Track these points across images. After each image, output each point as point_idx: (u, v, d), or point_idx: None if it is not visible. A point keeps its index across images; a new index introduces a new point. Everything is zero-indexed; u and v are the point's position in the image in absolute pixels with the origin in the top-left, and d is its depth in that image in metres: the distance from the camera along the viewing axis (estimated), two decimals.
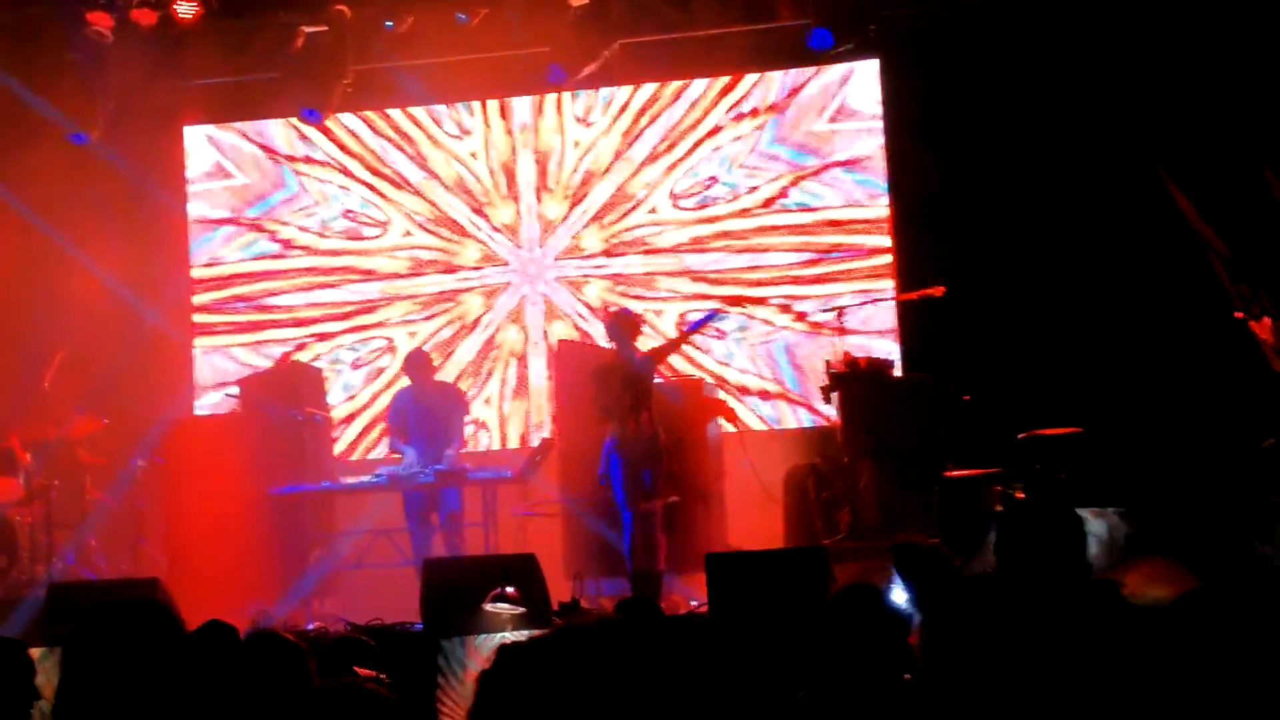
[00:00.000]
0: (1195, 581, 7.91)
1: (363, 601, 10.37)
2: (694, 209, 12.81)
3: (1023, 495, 9.28)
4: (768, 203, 12.69)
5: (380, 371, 13.21)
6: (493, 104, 13.17)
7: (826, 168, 12.61)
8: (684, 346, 11.65)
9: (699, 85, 12.83)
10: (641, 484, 10.02)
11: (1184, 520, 8.90)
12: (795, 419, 12.45)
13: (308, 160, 13.38)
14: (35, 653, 8.20)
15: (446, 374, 12.65)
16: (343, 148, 13.34)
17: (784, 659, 7.29)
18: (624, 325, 10.45)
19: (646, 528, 10.00)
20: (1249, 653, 4.12)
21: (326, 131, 13.21)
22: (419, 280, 13.25)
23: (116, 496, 11.90)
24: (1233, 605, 4.47)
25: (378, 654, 5.78)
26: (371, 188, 13.33)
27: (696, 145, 12.82)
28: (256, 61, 12.54)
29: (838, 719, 4.28)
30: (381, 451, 12.71)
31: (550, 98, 13.00)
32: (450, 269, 13.21)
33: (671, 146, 12.86)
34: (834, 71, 12.55)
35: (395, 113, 13.27)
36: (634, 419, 10.08)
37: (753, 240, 12.69)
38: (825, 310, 11.38)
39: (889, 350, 11.88)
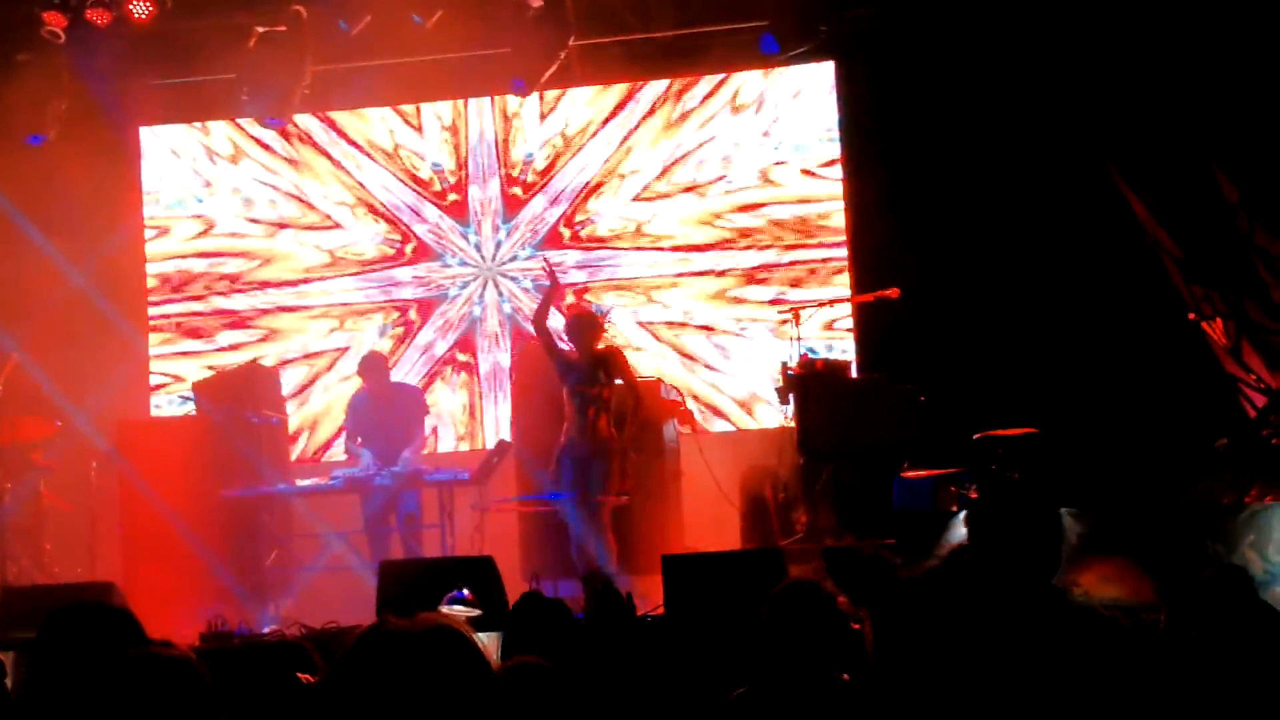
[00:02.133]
0: (1148, 582, 7.99)
1: (319, 604, 10.34)
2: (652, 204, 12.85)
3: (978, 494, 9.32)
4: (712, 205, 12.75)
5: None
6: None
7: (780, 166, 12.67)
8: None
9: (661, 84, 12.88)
10: (590, 485, 9.99)
11: (1137, 520, 8.96)
12: (752, 420, 12.49)
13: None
14: None
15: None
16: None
17: (740, 659, 7.31)
18: (582, 326, 10.38)
19: (596, 529, 9.99)
20: (1205, 654, 4.15)
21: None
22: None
23: (71, 500, 11.83)
24: (1186, 605, 4.49)
25: (315, 658, 5.74)
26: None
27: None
28: (212, 62, 12.47)
29: (772, 717, 4.27)
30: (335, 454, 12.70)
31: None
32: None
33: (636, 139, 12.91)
34: (791, 73, 12.58)
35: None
36: (592, 420, 10.05)
37: (709, 239, 12.73)
38: (781, 312, 11.40)
39: (845, 350, 11.97)
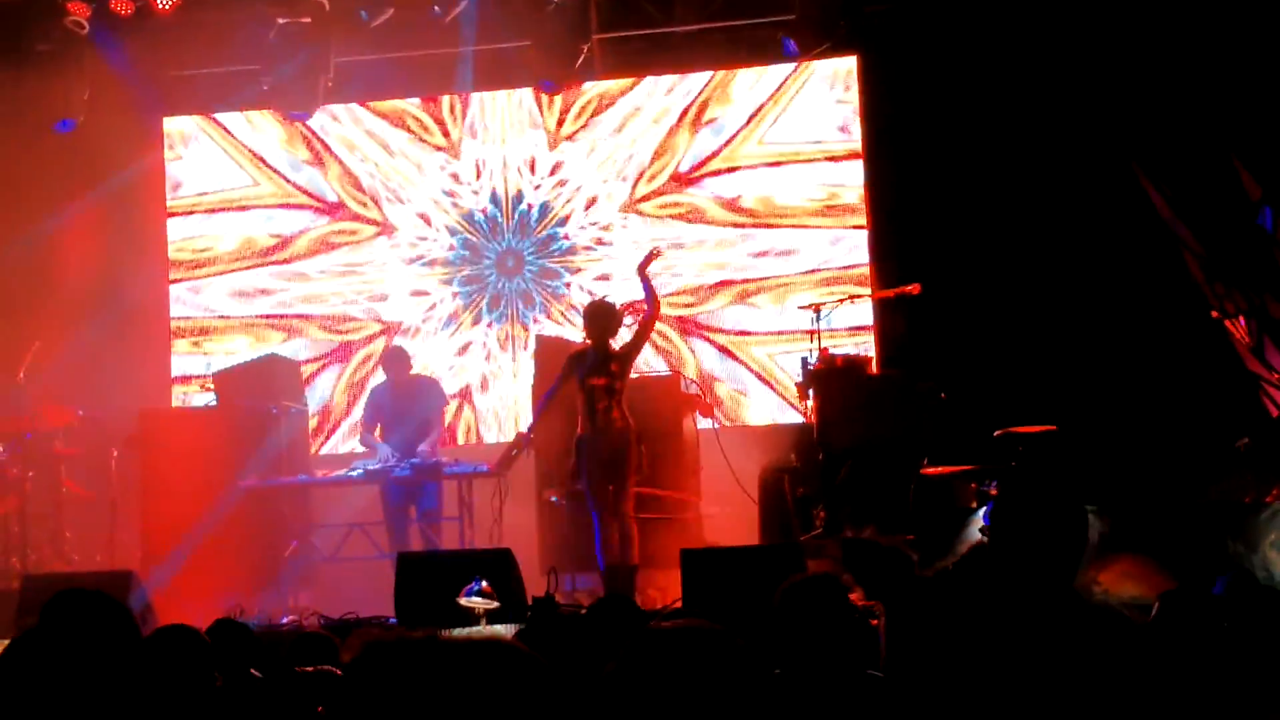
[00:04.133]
0: (1169, 580, 7.96)
1: (338, 595, 10.37)
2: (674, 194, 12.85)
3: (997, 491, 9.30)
4: (738, 201, 12.75)
5: None
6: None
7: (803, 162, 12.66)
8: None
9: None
10: (611, 479, 9.97)
11: (1158, 519, 8.93)
12: (772, 415, 12.49)
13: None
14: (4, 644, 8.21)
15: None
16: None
17: (758, 654, 7.30)
18: (601, 316, 10.31)
19: (619, 523, 9.97)
20: (1223, 651, 4.14)
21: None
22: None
23: (92, 488, 11.87)
24: (1205, 605, 4.47)
25: (339, 650, 5.79)
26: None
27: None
28: (236, 53, 12.50)
29: (795, 710, 4.24)
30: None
31: None
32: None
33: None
34: (813, 67, 12.55)
35: None
36: (604, 412, 10.02)
37: (729, 233, 12.72)
38: (802, 307, 11.38)
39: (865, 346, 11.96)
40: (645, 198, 12.86)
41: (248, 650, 5.50)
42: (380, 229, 13.25)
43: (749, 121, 12.72)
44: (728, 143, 12.74)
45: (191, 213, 13.48)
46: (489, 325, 13.08)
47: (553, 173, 13.05)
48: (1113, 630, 4.11)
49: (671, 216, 12.82)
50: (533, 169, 13.07)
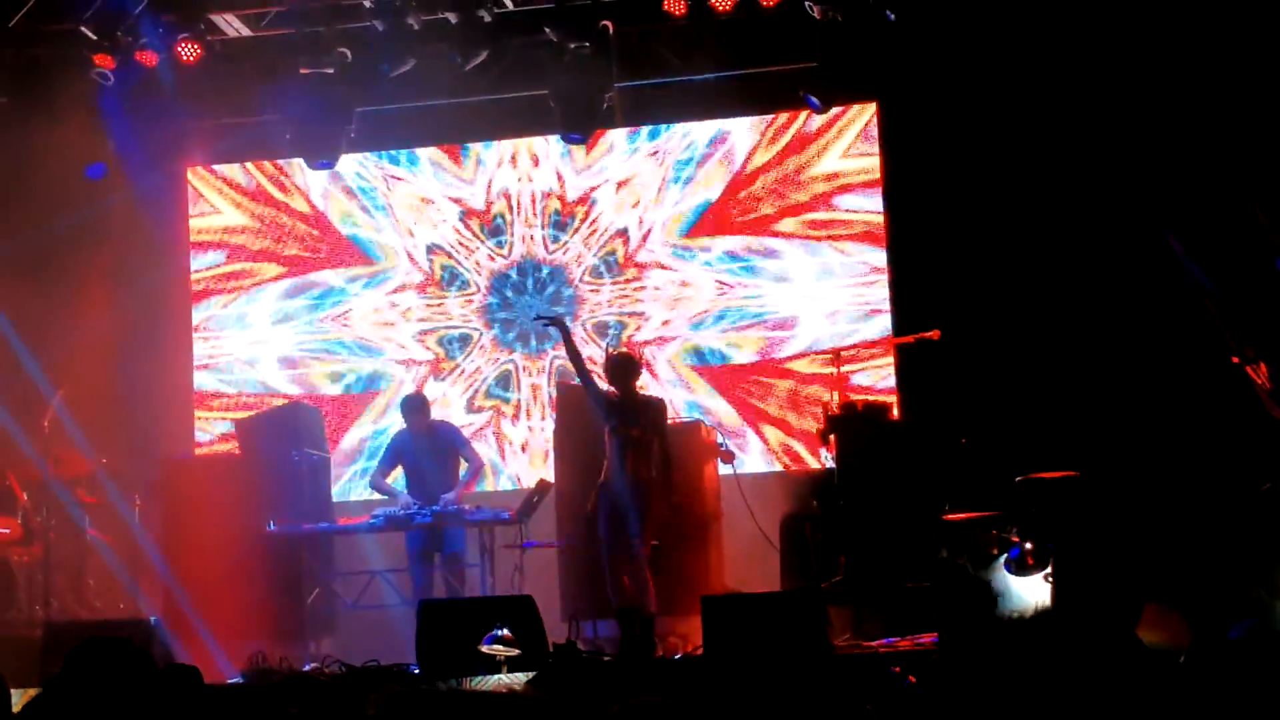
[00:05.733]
0: (1190, 628, 7.94)
1: (360, 642, 10.38)
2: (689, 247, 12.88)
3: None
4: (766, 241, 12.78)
5: None
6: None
7: (823, 202, 12.69)
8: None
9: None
10: (626, 525, 9.97)
11: (1179, 566, 8.91)
12: (794, 462, 12.48)
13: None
14: (31, 693, 8.23)
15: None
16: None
17: (779, 701, 7.32)
18: (620, 368, 10.36)
19: (633, 569, 9.95)
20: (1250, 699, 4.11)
21: None
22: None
23: (114, 536, 11.91)
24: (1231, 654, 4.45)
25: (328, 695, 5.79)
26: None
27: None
28: (260, 103, 12.59)
29: None
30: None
31: None
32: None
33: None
34: (832, 115, 12.59)
35: None
36: (630, 463, 10.02)
37: (751, 279, 12.74)
38: (819, 353, 11.40)
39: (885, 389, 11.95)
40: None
41: (197, 697, 5.48)
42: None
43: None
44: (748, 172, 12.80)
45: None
46: (514, 354, 13.08)
47: (563, 221, 13.10)
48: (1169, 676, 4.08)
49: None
50: (562, 204, 13.14)
